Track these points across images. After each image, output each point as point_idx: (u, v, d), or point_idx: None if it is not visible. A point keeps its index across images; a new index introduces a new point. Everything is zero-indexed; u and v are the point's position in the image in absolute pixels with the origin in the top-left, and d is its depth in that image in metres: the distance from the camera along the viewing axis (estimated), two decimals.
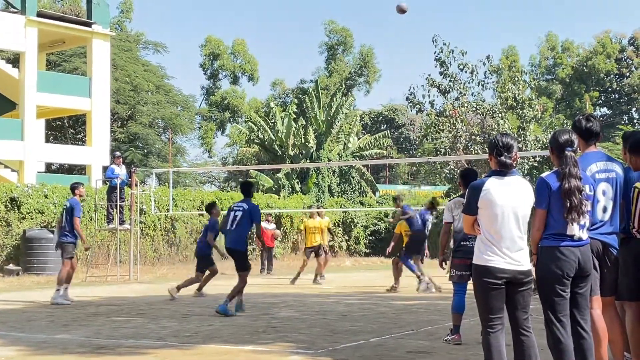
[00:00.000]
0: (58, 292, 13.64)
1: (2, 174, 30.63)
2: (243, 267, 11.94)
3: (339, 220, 32.70)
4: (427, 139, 37.36)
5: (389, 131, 55.11)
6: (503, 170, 5.31)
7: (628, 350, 6.17)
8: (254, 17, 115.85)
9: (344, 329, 9.76)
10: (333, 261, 21.46)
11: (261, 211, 14.38)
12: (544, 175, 5.54)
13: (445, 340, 8.49)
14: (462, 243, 8.53)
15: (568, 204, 5.31)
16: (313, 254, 19.11)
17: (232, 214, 11.88)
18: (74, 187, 14.26)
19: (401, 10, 16.31)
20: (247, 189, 12.36)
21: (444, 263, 9.23)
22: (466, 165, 31.31)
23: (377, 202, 37.29)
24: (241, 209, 11.81)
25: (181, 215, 26.07)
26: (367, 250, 33.57)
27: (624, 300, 6.17)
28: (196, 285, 15.05)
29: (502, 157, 5.30)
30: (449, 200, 9.24)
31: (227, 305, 11.52)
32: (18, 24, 31.06)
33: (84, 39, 34.41)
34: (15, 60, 35.97)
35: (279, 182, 40.08)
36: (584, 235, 5.44)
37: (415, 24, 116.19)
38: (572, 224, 5.34)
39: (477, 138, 32.10)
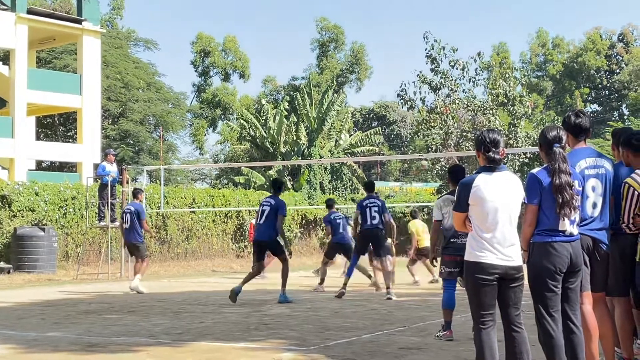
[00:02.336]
0: (139, 280, 15.51)
1: None
2: (280, 253, 13.11)
3: None
4: (418, 136, 37.39)
5: (380, 128, 55.14)
6: (491, 165, 5.33)
7: (619, 346, 6.20)
8: (245, 14, 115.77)
9: (335, 326, 9.77)
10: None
11: (254, 208, 14.60)
12: (534, 171, 5.56)
13: (437, 336, 8.51)
14: (451, 240, 8.57)
15: (560, 200, 5.33)
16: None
17: (260, 209, 12.98)
18: (136, 193, 16.37)
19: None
20: (278, 185, 13.35)
21: (434, 260, 9.25)
22: (458, 162, 31.38)
23: None
24: (269, 204, 12.86)
25: (173, 213, 26.02)
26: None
27: (612, 296, 6.21)
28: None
29: (490, 153, 5.32)
30: (438, 199, 9.21)
31: (284, 293, 12.79)
32: (8, 21, 30.94)
33: (74, 36, 34.31)
34: (5, 57, 35.88)
35: (271, 179, 40.09)
36: (575, 230, 5.47)
37: (407, 21, 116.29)
38: (564, 220, 5.37)
39: (469, 135, 32.13)
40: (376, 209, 13.62)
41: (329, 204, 17.13)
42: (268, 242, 12.87)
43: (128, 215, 15.84)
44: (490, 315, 5.26)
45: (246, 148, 46.91)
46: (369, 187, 14.49)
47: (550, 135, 5.55)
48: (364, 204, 13.77)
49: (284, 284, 12.90)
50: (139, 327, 9.92)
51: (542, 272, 5.39)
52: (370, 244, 14.17)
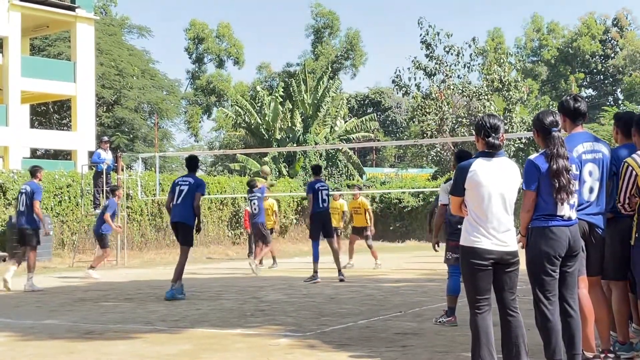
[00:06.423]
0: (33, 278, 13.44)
1: None
2: (187, 241, 11.94)
3: None
4: (413, 122, 37.41)
5: (375, 114, 55.04)
6: (490, 151, 5.32)
7: (614, 329, 6.22)
8: (238, 0, 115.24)
9: (332, 312, 9.79)
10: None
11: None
12: (532, 157, 5.57)
13: (440, 321, 8.46)
14: (458, 226, 8.51)
15: (557, 184, 5.34)
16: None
17: (177, 188, 11.94)
18: (34, 171, 14.10)
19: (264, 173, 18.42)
20: (193, 164, 12.44)
21: (436, 245, 9.18)
22: (452, 148, 31.40)
23: (364, 185, 37.29)
24: (187, 183, 11.88)
25: None
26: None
27: (610, 280, 6.21)
28: None
29: (490, 138, 5.31)
30: (445, 182, 9.20)
31: (173, 289, 11.53)
32: (1, 8, 30.78)
33: (68, 23, 34.16)
34: None
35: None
36: (574, 214, 5.48)
37: (401, 7, 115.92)
38: (562, 204, 5.37)
39: (464, 120, 32.14)
40: (326, 192, 14.22)
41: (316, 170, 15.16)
42: (185, 224, 11.70)
43: (23, 196, 13.57)
44: (485, 300, 5.27)
45: (241, 135, 46.81)
46: (317, 170, 14.88)
47: (547, 120, 5.56)
48: (316, 187, 14.17)
49: (177, 277, 11.58)
50: (136, 314, 9.93)
51: (540, 256, 5.40)
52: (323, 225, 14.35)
